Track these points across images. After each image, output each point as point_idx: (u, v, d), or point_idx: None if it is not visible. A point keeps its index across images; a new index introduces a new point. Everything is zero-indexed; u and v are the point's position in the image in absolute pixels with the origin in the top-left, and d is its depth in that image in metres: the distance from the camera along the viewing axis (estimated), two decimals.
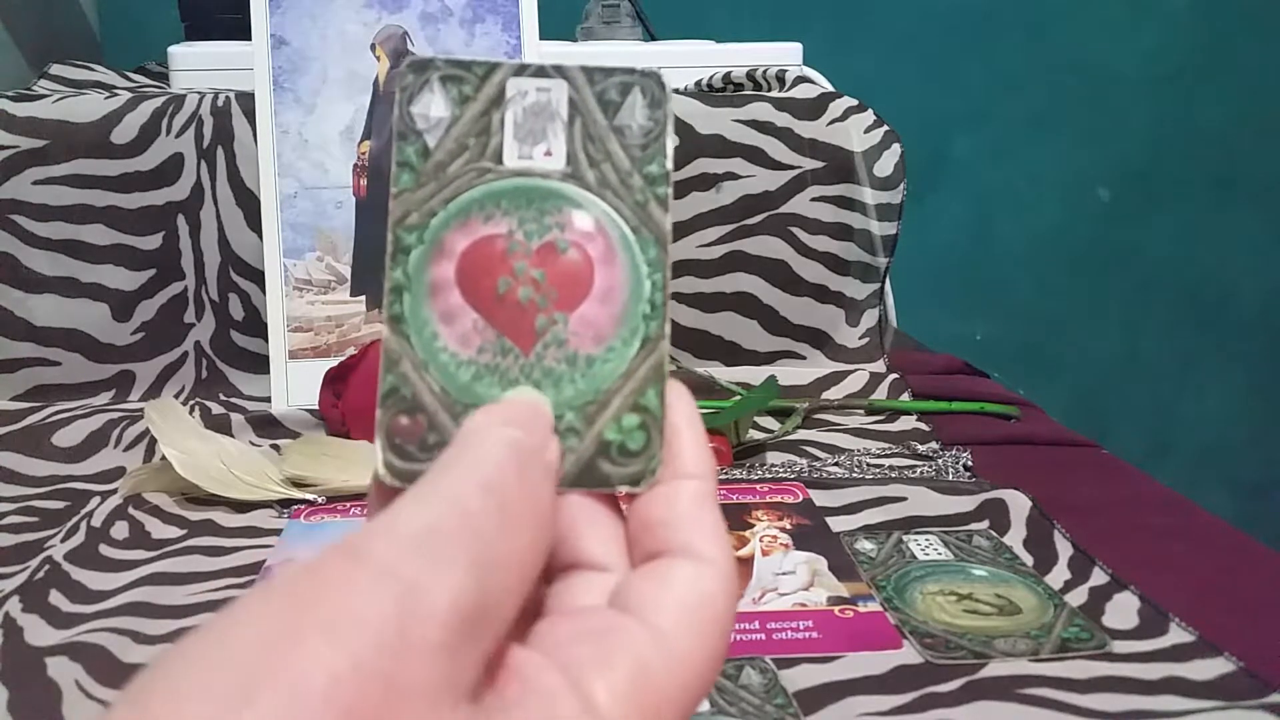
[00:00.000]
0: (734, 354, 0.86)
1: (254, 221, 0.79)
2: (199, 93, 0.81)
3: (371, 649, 0.17)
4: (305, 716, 0.16)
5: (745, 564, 0.54)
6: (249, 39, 0.77)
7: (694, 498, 0.24)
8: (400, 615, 0.18)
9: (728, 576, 0.23)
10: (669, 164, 0.26)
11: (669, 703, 0.21)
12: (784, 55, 0.98)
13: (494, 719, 0.19)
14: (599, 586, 0.24)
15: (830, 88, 0.91)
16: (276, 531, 0.59)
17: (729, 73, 0.96)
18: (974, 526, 0.59)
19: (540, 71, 0.26)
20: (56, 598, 0.52)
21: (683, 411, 0.26)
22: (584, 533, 0.24)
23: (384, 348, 0.25)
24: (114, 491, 0.64)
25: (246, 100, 0.79)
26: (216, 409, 0.77)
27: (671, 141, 0.26)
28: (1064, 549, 0.56)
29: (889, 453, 0.71)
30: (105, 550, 0.57)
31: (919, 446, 0.71)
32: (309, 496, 0.62)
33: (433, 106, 0.26)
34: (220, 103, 0.80)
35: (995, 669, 0.45)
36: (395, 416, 0.25)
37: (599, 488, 0.25)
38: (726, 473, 0.67)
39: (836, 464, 0.68)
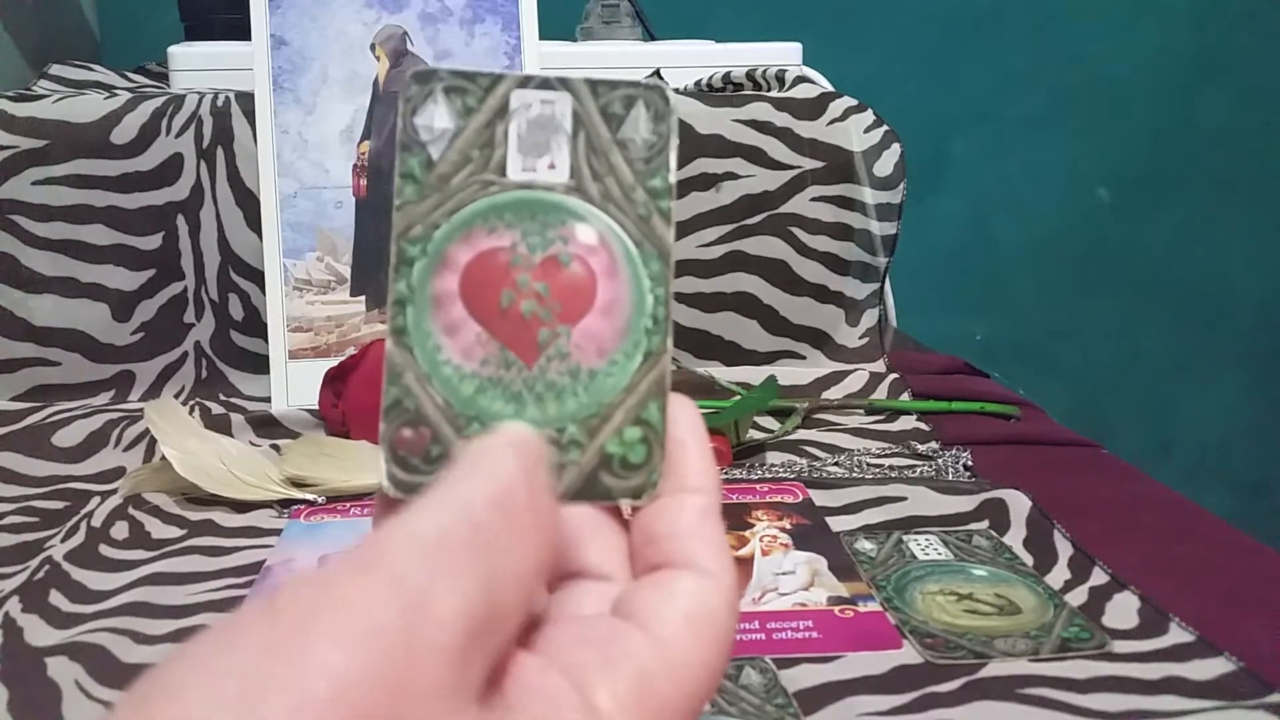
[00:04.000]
0: (734, 354, 0.86)
1: (254, 221, 0.79)
2: (199, 93, 0.81)
3: (380, 656, 0.17)
4: None
5: (745, 564, 0.54)
6: (249, 39, 0.77)
7: (698, 512, 0.25)
8: (409, 623, 0.18)
9: (730, 590, 0.24)
10: (672, 178, 0.26)
11: (671, 710, 0.22)
12: (784, 55, 0.98)
13: None
14: (600, 595, 0.24)
15: (830, 88, 0.91)
16: (276, 531, 0.59)
17: (729, 73, 0.96)
18: (974, 526, 0.59)
19: (545, 84, 0.26)
20: (56, 598, 0.52)
21: (688, 426, 0.26)
22: (586, 543, 0.25)
23: (387, 360, 0.25)
24: (114, 491, 0.64)
25: (246, 100, 0.79)
26: (216, 409, 0.77)
27: (675, 156, 0.26)
28: (1064, 549, 0.56)
29: (889, 453, 0.71)
30: (105, 550, 0.57)
31: (919, 446, 0.71)
32: (309, 496, 0.62)
33: (436, 118, 0.25)
34: (220, 103, 0.80)
35: (995, 669, 0.45)
36: (399, 429, 0.25)
37: (600, 500, 0.25)
38: (726, 473, 0.67)
39: (836, 464, 0.68)
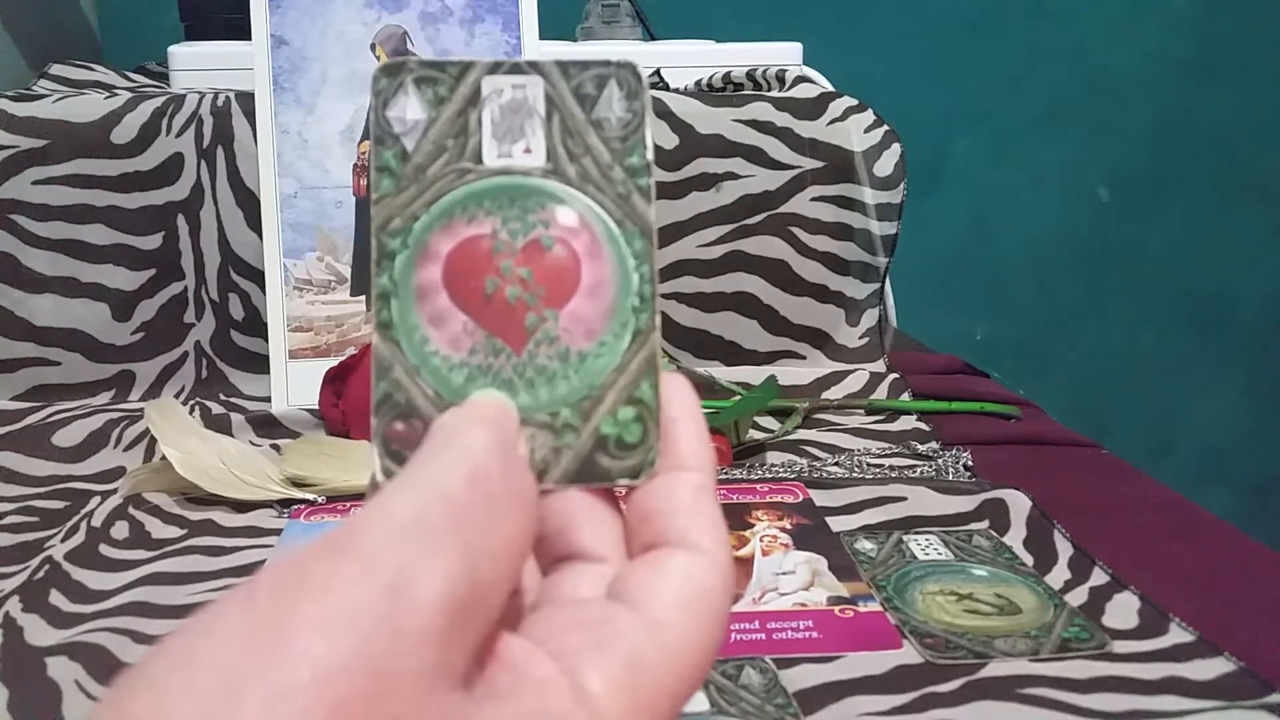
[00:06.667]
0: (734, 354, 0.85)
1: (254, 221, 0.79)
2: (199, 93, 0.81)
3: (361, 640, 0.17)
4: (294, 712, 0.16)
5: (745, 564, 0.54)
6: (249, 39, 0.77)
7: (692, 490, 0.24)
8: (389, 605, 0.18)
9: (724, 568, 0.23)
10: (649, 155, 0.26)
11: (664, 692, 0.21)
12: (784, 55, 0.98)
13: (485, 709, 0.19)
14: (595, 578, 0.24)
15: (830, 88, 0.91)
16: (276, 531, 0.59)
17: (729, 73, 0.96)
18: (974, 526, 0.59)
19: (515, 68, 0.26)
20: (56, 598, 0.52)
21: (682, 404, 0.25)
22: (580, 525, 0.25)
23: (374, 355, 0.25)
24: (114, 491, 0.64)
25: (246, 100, 0.79)
26: (216, 409, 0.77)
27: (651, 132, 0.26)
28: (1064, 549, 0.56)
29: (889, 453, 0.71)
30: (105, 550, 0.57)
31: (919, 446, 0.71)
32: (309, 496, 0.62)
33: (408, 109, 0.25)
34: (220, 103, 0.80)
35: (995, 669, 0.45)
36: (390, 423, 0.24)
37: (598, 482, 0.25)
38: (726, 473, 0.67)
39: (836, 464, 0.68)
